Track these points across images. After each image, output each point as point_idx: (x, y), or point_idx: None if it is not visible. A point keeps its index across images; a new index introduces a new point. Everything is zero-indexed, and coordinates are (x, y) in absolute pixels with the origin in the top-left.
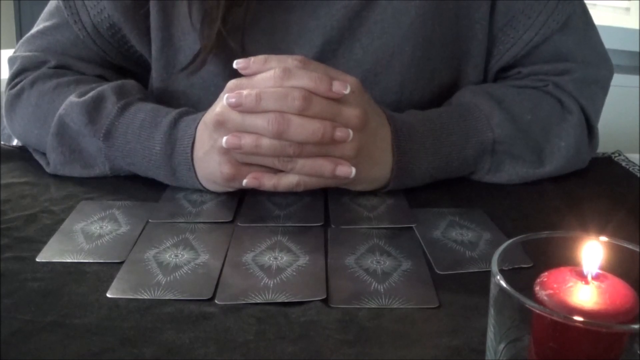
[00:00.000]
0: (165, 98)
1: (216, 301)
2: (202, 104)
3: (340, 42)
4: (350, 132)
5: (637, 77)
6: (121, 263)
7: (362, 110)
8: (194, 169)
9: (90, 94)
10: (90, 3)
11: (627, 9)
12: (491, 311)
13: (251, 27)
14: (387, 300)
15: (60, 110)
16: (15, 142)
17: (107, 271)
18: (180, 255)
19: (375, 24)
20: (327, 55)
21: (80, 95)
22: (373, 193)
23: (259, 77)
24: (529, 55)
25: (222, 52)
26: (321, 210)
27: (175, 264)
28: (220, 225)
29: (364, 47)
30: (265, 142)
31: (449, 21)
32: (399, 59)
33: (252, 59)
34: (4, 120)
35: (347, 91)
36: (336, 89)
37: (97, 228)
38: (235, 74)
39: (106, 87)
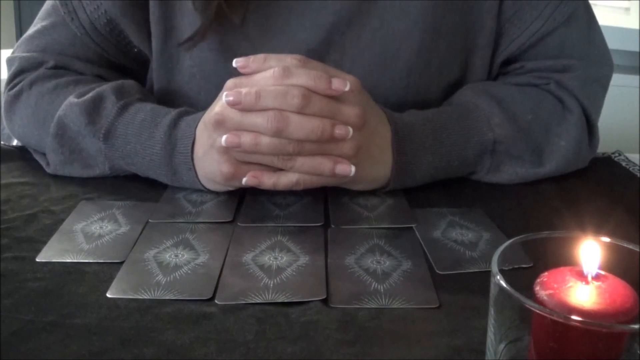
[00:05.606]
0: (167, 91)
1: (216, 301)
2: (203, 95)
3: (349, 24)
4: (350, 129)
5: (637, 77)
6: (121, 263)
7: (361, 109)
8: (194, 168)
9: (90, 95)
10: (87, 1)
11: (627, 9)
12: (491, 311)
13: (253, 10)
14: (387, 300)
15: (60, 111)
16: (15, 142)
17: (107, 271)
18: (180, 255)
19: (385, 8)
20: (334, 38)
21: (80, 96)
22: (373, 193)
23: (258, 75)
24: (534, 47)
25: (223, 40)
26: (321, 210)
27: (175, 264)
28: (220, 225)
29: (373, 32)
30: (265, 140)
31: (459, 11)
32: (408, 45)
33: (252, 57)
34: (4, 121)
35: (347, 88)
36: (335, 86)
37: (97, 228)
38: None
39: (105, 87)
